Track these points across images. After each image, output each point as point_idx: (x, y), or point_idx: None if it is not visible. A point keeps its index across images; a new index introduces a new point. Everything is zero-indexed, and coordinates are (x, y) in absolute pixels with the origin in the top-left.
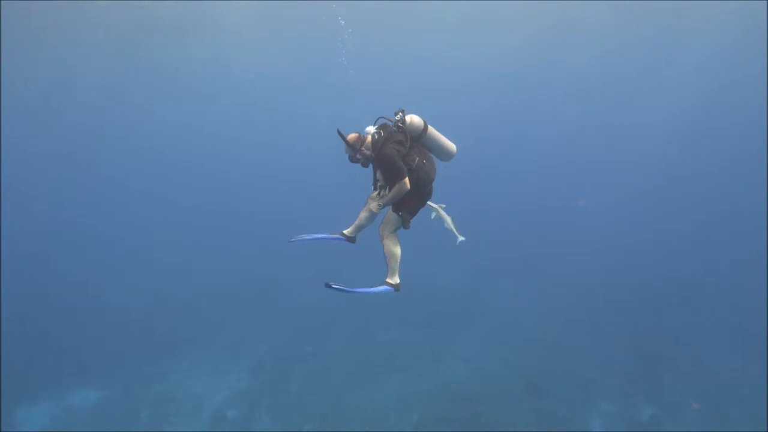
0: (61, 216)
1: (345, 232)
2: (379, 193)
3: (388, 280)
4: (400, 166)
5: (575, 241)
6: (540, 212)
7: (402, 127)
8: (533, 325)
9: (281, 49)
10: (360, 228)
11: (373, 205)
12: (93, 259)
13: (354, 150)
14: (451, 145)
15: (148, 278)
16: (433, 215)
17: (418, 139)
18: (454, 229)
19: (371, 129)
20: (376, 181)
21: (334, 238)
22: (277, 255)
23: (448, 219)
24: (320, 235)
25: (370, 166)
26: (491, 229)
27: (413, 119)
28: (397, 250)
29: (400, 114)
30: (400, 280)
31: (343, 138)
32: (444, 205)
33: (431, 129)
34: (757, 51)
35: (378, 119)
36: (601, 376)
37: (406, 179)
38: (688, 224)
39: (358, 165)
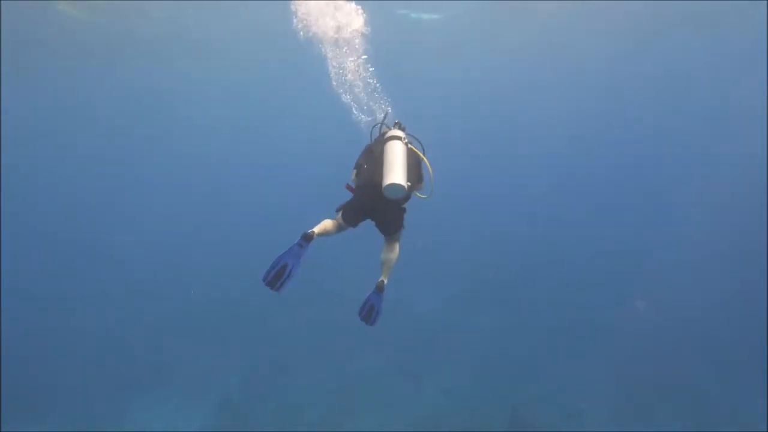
0: (15, 240)
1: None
2: None
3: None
4: (359, 157)
5: (562, 264)
6: (525, 234)
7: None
8: (518, 352)
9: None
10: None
11: None
12: (43, 286)
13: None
14: (388, 174)
15: (107, 306)
16: None
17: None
18: None
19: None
20: None
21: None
22: (248, 279)
23: None
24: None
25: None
26: (475, 252)
27: (392, 130)
28: (327, 223)
29: (395, 124)
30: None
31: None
32: None
33: (389, 147)
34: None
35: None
36: (589, 406)
37: (354, 170)
38: (680, 243)
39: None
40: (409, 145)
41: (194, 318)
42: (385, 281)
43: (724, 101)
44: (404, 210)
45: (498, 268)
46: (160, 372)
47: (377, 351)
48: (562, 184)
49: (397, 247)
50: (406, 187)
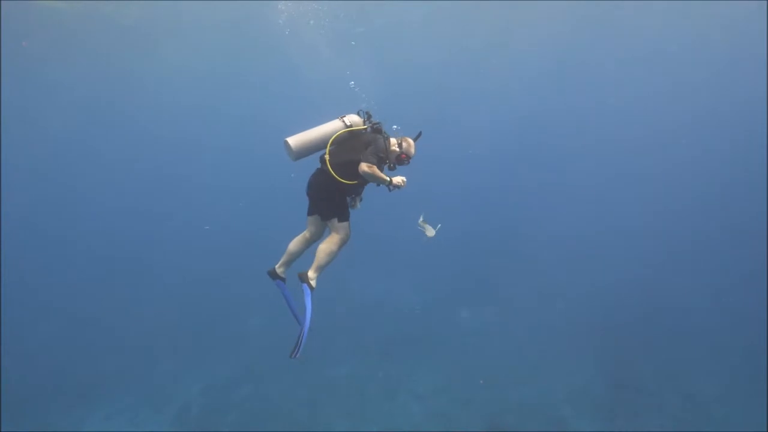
0: None
1: None
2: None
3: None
4: None
5: (549, 261)
6: (511, 228)
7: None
8: (500, 355)
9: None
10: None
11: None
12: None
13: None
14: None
15: (65, 310)
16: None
17: None
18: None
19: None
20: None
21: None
22: (215, 280)
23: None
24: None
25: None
26: (459, 248)
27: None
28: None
29: (360, 112)
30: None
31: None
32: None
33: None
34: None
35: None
36: (575, 413)
37: None
38: (676, 240)
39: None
40: (357, 130)
41: (157, 324)
42: (310, 275)
43: (723, 101)
44: (341, 193)
45: (481, 267)
46: (123, 381)
47: (353, 354)
48: (548, 180)
49: (335, 240)
50: (291, 146)
